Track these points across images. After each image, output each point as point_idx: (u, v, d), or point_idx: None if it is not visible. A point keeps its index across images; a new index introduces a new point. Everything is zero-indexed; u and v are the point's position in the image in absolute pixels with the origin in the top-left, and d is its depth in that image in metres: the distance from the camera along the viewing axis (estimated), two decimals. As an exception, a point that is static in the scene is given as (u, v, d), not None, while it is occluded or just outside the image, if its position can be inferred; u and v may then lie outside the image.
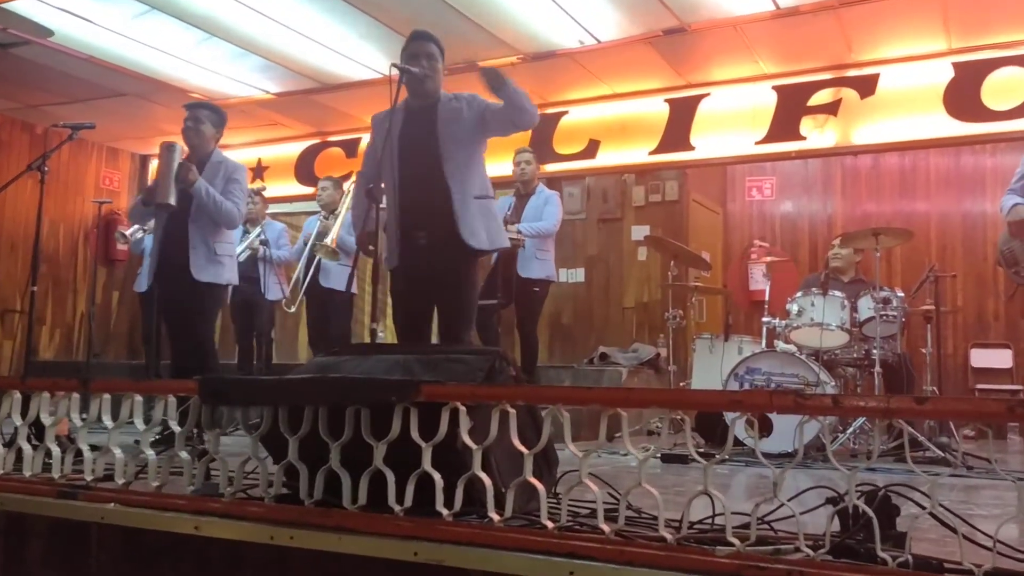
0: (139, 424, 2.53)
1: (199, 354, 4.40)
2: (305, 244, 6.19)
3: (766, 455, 4.34)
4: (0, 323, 7.96)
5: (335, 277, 5.98)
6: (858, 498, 1.92)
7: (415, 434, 2.12)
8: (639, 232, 7.10)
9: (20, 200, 7.99)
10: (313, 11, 5.78)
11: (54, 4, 5.68)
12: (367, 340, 8.09)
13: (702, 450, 4.33)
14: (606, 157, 7.19)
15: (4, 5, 5.58)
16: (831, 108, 6.42)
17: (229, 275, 4.47)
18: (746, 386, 4.62)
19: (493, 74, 3.62)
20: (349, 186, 6.11)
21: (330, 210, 6.18)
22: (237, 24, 5.99)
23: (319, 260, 5.95)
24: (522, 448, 2.03)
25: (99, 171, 8.93)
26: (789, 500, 1.90)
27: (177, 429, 2.48)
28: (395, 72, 3.44)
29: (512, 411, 2.06)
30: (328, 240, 5.84)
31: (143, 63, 6.71)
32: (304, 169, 8.43)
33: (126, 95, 7.37)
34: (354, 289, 6.15)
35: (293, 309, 6.06)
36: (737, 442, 4.56)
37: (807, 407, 1.68)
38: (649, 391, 2.28)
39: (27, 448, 2.68)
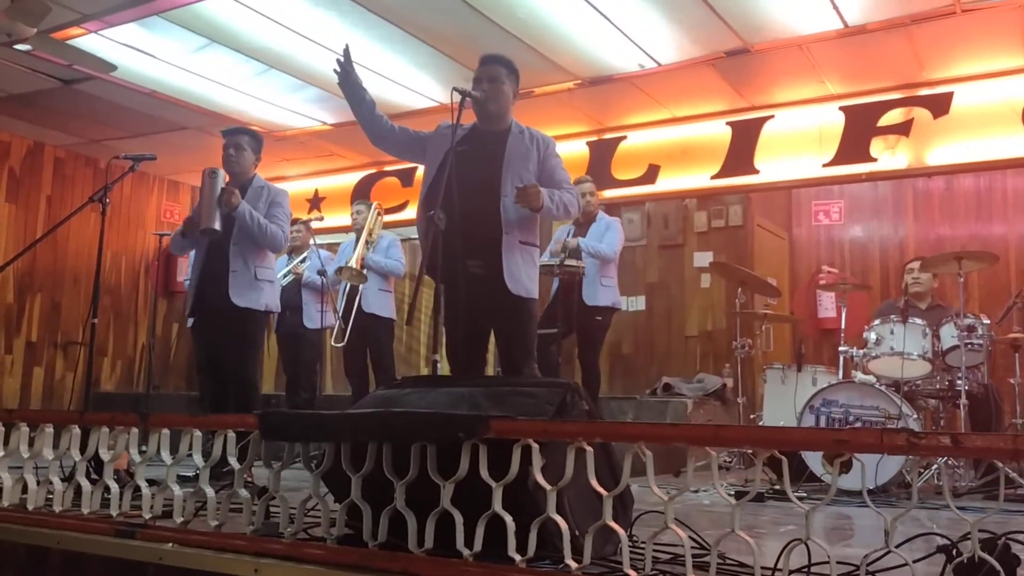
0: (198, 460, 2.44)
1: (239, 385, 4.34)
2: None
3: (844, 492, 4.13)
4: (63, 355, 8.07)
5: (376, 303, 5.84)
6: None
7: (484, 473, 1.99)
8: (701, 258, 6.92)
9: (83, 233, 8.13)
10: (370, 41, 5.76)
11: (117, 39, 5.76)
12: (411, 368, 8.04)
13: (777, 487, 4.12)
14: (666, 182, 7.03)
15: (69, 41, 5.67)
16: (903, 128, 6.18)
17: (268, 300, 4.45)
18: (822, 419, 4.40)
19: (529, 197, 3.39)
20: (373, 209, 6.02)
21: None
22: (295, 55, 6.01)
23: (361, 287, 5.79)
24: (601, 490, 1.89)
25: (160, 204, 9.06)
26: (898, 547, 1.72)
27: (236, 466, 2.39)
28: (456, 97, 3.36)
29: (589, 449, 1.92)
30: (352, 262, 5.68)
31: (203, 96, 6.77)
32: (360, 198, 8.41)
33: (187, 128, 7.46)
34: (393, 314, 6.01)
35: (342, 343, 5.91)
36: (812, 477, 4.34)
37: (922, 448, 1.51)
38: (741, 429, 2.13)
39: (85, 484, 2.62)
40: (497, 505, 1.96)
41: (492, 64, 3.58)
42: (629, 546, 2.08)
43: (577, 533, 2.01)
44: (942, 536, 1.85)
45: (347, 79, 3.62)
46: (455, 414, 2.13)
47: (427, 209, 3.41)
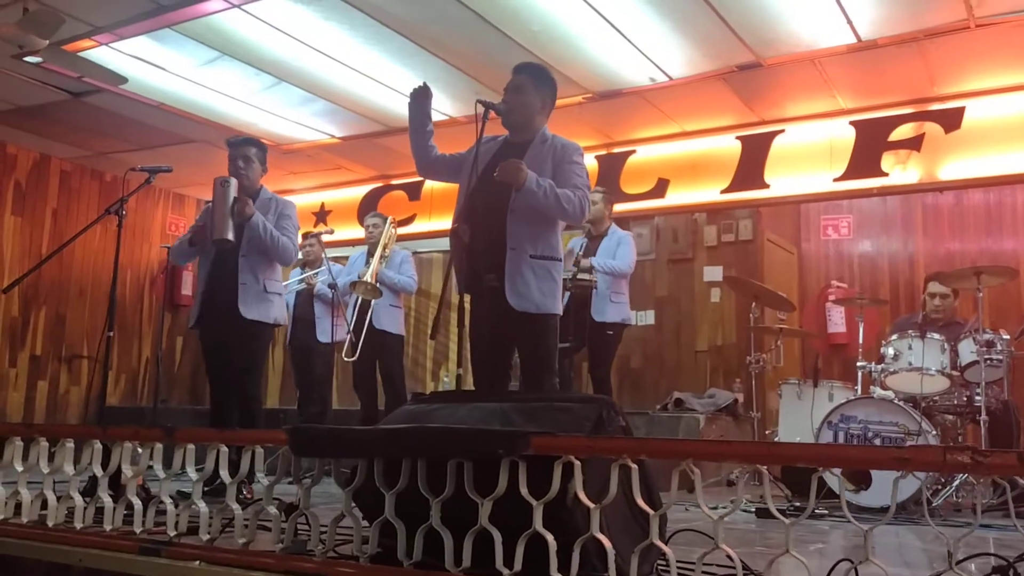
0: (225, 476, 2.40)
1: (243, 397, 4.29)
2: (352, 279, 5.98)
3: (864, 509, 4.09)
4: (68, 368, 8.00)
5: (387, 319, 5.84)
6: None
7: (524, 490, 1.95)
8: (711, 273, 6.90)
9: (89, 246, 8.08)
10: (380, 54, 5.75)
11: (128, 52, 5.74)
12: (417, 382, 8.00)
13: (797, 504, 4.07)
14: (676, 196, 7.01)
15: (80, 53, 5.65)
16: (914, 143, 6.17)
17: (277, 313, 4.41)
18: (840, 435, 4.36)
19: (507, 171, 3.30)
20: (388, 224, 6.00)
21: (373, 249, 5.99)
22: (305, 68, 5.98)
23: (373, 302, 5.78)
24: (648, 509, 1.85)
25: (165, 217, 9.02)
26: (957, 564, 1.68)
27: (265, 482, 2.34)
28: (480, 108, 3.33)
29: (634, 466, 1.88)
30: (367, 277, 5.65)
31: (211, 108, 6.75)
32: (367, 212, 8.38)
33: (194, 141, 7.43)
34: (402, 330, 6.06)
35: (354, 358, 5.86)
36: (830, 494, 4.29)
37: (987, 466, 1.48)
38: (796, 446, 2.09)
39: (107, 500, 2.57)
40: (538, 524, 1.92)
41: (519, 74, 3.55)
42: (665, 566, 2.04)
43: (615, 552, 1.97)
44: (998, 556, 1.82)
45: (420, 108, 3.61)
46: (495, 430, 2.10)
47: (455, 223, 3.39)
